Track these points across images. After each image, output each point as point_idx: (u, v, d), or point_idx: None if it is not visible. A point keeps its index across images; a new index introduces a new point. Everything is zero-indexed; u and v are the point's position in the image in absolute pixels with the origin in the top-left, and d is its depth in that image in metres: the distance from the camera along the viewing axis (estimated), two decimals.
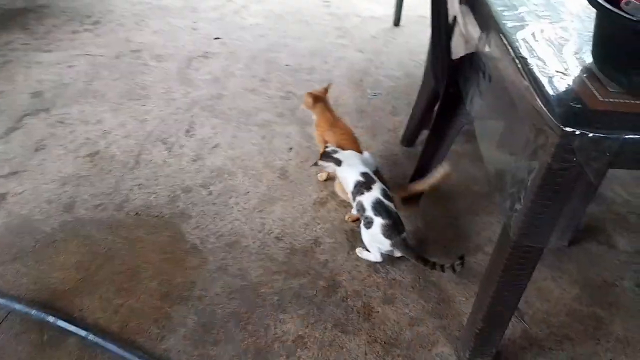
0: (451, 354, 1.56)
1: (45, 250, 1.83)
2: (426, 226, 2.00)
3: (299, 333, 1.60)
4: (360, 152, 2.04)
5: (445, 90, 1.80)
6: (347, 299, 1.69)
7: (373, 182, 1.82)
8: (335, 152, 1.94)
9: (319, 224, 2.00)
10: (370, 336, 1.60)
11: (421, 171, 2.01)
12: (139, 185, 2.16)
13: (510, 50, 1.21)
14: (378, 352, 1.56)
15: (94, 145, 2.39)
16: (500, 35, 1.32)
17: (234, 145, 2.44)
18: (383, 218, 1.71)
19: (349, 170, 1.87)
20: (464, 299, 1.69)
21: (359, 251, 1.86)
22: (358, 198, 1.79)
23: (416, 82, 3.06)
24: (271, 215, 2.03)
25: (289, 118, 2.66)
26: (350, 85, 3.01)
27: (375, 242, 1.76)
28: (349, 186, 1.86)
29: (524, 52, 1.17)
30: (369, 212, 1.74)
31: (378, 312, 1.67)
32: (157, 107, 2.71)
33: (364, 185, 1.80)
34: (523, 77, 1.12)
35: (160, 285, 1.72)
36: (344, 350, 1.56)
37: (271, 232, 1.95)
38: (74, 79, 2.94)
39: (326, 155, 1.94)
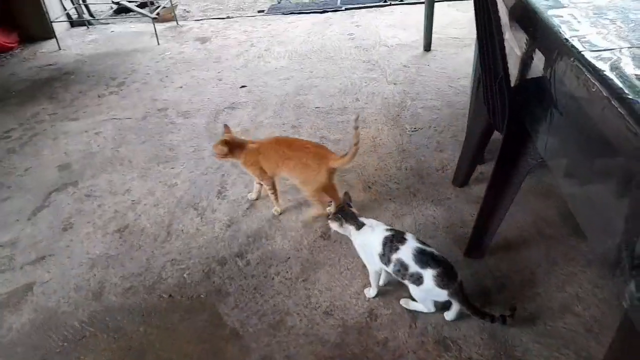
0: None
1: (73, 349, 1.65)
2: (496, 286, 1.71)
3: None
4: (307, 147, 2.00)
5: (507, 129, 1.54)
6: None
7: (401, 232, 1.61)
8: (358, 215, 1.69)
9: None
10: None
11: (484, 225, 1.75)
12: (172, 260, 1.98)
13: (603, 90, 0.96)
14: None
15: (123, 219, 2.24)
16: (581, 66, 1.07)
17: (269, 204, 2.24)
18: (432, 267, 1.49)
19: (372, 233, 1.62)
20: None
21: (405, 302, 1.66)
22: (394, 256, 1.54)
23: (459, 111, 2.83)
24: (317, 285, 1.80)
25: None
26: (388, 123, 2.79)
27: (430, 297, 1.57)
28: (375, 249, 1.60)
29: (626, 91, 0.92)
30: (414, 268, 1.52)
31: None
32: (186, 169, 2.56)
33: (395, 239, 1.57)
34: (630, 125, 0.86)
35: None
36: None
37: (319, 306, 1.72)
38: (102, 146, 2.85)
39: (349, 217, 1.66)
